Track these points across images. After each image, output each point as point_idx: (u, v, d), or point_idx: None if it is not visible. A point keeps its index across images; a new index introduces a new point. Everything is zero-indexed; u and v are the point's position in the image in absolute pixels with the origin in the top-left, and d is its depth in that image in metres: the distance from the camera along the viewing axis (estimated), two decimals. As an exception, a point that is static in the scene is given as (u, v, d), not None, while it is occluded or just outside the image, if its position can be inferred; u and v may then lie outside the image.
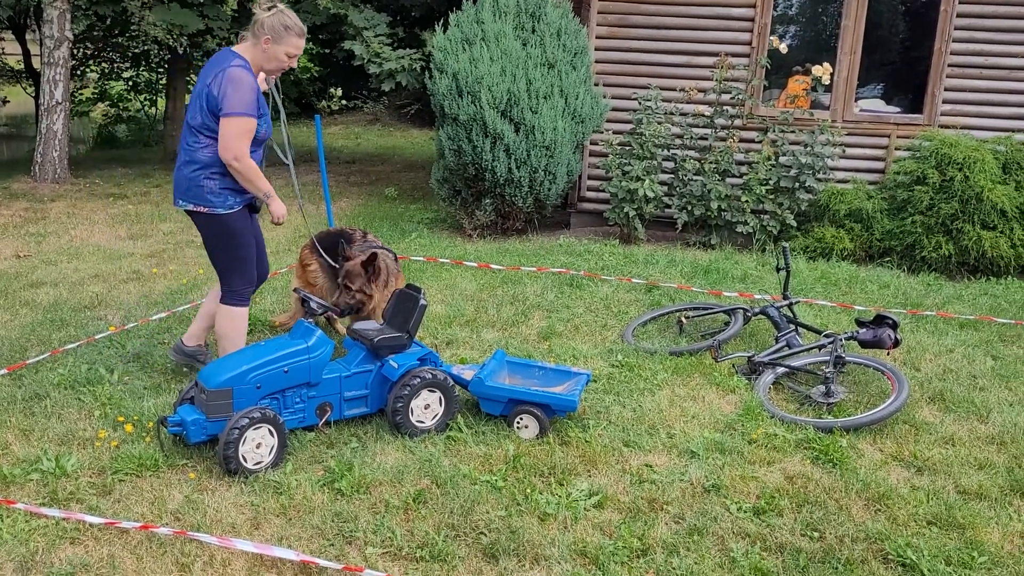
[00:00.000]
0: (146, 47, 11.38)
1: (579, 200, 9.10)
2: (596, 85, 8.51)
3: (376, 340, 4.13)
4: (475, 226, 8.32)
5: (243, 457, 3.67)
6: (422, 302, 4.23)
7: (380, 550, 3.25)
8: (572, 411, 4.21)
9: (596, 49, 8.69)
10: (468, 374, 4.34)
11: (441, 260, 7.15)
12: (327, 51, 14.49)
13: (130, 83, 17.85)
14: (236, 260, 4.27)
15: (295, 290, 4.42)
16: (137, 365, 4.90)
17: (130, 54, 15.51)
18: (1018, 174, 7.65)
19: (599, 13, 8.70)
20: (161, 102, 17.29)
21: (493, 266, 7.02)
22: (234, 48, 4.12)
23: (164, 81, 15.22)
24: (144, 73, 17.73)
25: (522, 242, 8.20)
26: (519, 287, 6.48)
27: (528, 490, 3.65)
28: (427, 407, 4.12)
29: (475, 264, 7.06)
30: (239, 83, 3.92)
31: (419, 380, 4.07)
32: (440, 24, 8.38)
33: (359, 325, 4.31)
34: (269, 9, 4.05)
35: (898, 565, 3.24)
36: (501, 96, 7.75)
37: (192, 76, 13.95)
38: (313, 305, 4.13)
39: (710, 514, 3.53)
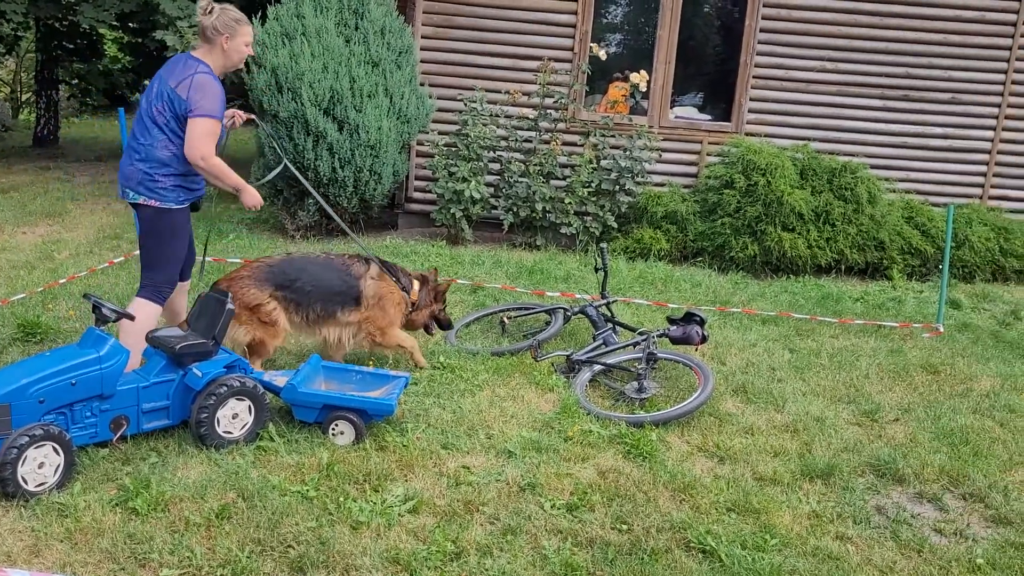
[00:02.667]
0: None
1: (406, 201, 9.01)
2: (422, 85, 8.45)
3: (178, 347, 3.88)
4: (298, 227, 8.06)
5: (23, 479, 3.35)
6: (229, 306, 4.03)
7: (177, 571, 3.05)
8: (390, 415, 4.14)
9: (422, 49, 8.64)
10: (281, 380, 4.17)
11: (260, 262, 6.85)
12: (139, 40, 13.59)
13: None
14: (165, 255, 4.34)
15: (85, 296, 4.08)
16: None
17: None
18: (813, 180, 8.25)
19: (424, 13, 8.65)
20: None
21: (315, 268, 6.79)
22: (192, 54, 4.25)
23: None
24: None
25: (347, 243, 8.02)
26: (342, 289, 6.31)
27: (341, 499, 3.54)
28: (235, 416, 3.92)
29: (296, 266, 6.80)
30: (207, 88, 4.14)
31: (226, 388, 3.86)
32: (258, 16, 8.06)
33: (161, 332, 4.04)
34: (209, 12, 4.21)
35: (699, 552, 3.39)
36: (324, 94, 7.55)
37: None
38: (106, 311, 3.83)
39: (524, 513, 3.56)
